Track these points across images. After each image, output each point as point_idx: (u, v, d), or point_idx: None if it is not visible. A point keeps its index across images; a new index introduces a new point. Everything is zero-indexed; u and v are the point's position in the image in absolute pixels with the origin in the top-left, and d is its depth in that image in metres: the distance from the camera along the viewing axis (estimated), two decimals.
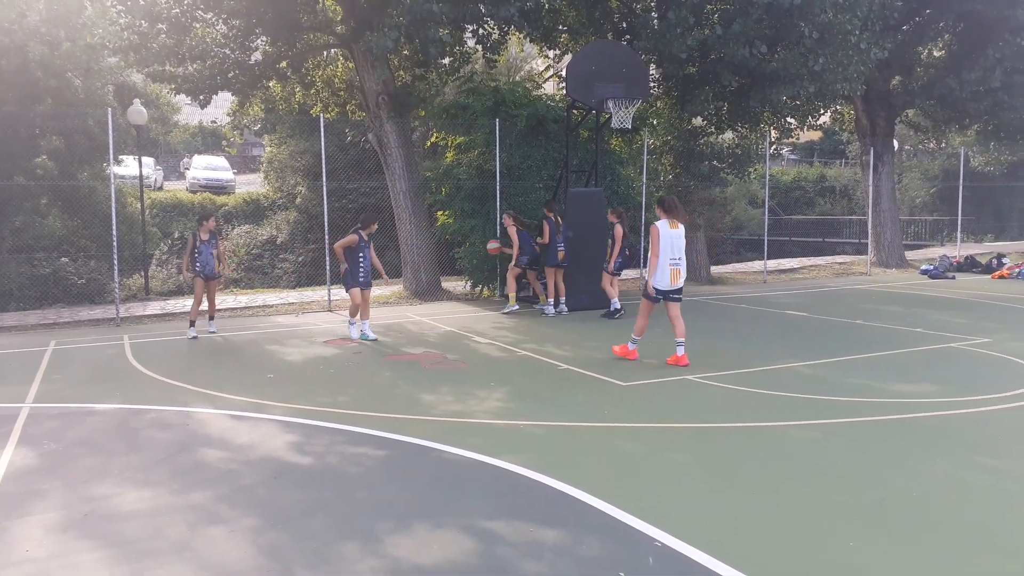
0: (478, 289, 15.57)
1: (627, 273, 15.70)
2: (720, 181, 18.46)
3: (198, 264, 10.74)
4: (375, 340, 10.26)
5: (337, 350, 9.69)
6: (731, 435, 6.13)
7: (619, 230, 11.88)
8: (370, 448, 5.79)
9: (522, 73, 25.43)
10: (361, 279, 10.30)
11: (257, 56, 15.23)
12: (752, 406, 6.90)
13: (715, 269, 19.40)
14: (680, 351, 8.67)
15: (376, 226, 10.83)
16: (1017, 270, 17.77)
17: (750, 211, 29.52)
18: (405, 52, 15.72)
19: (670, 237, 8.42)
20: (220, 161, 32.96)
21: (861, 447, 5.76)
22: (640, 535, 4.25)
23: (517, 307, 12.85)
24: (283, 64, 15.35)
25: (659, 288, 8.55)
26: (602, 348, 9.77)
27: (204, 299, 10.81)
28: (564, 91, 14.87)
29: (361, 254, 10.29)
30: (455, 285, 16.05)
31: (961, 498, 4.77)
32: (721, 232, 25.38)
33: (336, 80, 17.30)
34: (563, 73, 15.58)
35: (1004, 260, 18.99)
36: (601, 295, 12.77)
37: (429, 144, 17.88)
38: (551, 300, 12.74)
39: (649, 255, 8.53)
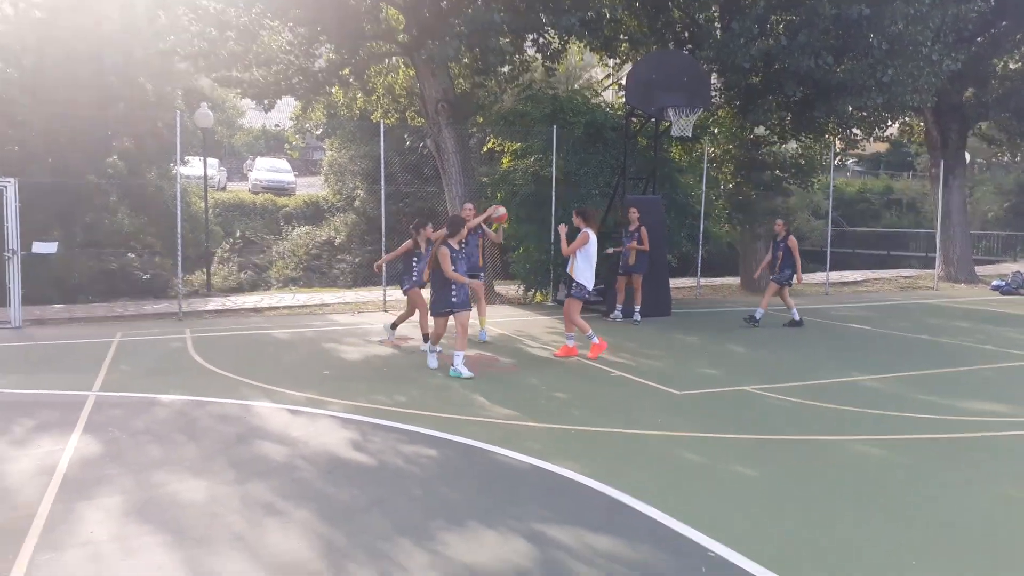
0: (531, 293, 15.55)
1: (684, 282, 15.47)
2: (783, 191, 18.11)
3: (415, 273, 10.36)
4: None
5: (393, 350, 9.77)
6: (790, 448, 5.97)
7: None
8: (425, 447, 5.81)
9: (581, 81, 25.42)
10: (415, 279, 10.37)
11: (320, 63, 15.53)
12: (812, 419, 6.72)
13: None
14: (571, 343, 9.52)
15: (432, 230, 10.75)
16: None
17: (813, 222, 28.87)
18: (465, 60, 15.85)
19: (595, 243, 9.30)
20: (282, 164, 33.72)
21: (927, 466, 5.54)
22: (693, 545, 4.16)
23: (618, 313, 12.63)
24: (346, 71, 15.62)
25: (588, 288, 9.28)
26: (659, 356, 9.65)
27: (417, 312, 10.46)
28: (623, 99, 14.79)
29: (416, 258, 10.33)
30: (508, 289, 16.06)
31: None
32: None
33: (397, 87, 17.54)
34: (623, 82, 15.50)
35: None
36: (662, 302, 12.74)
37: (486, 150, 17.96)
38: (619, 307, 12.70)
39: (579, 259, 9.21)
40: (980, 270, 21.40)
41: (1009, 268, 22.06)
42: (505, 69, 16.42)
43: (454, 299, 8.30)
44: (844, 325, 12.53)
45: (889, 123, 18.55)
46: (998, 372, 8.85)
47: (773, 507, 4.73)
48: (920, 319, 13.25)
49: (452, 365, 8.19)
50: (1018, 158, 24.69)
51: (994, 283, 18.37)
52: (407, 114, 17.82)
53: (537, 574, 3.82)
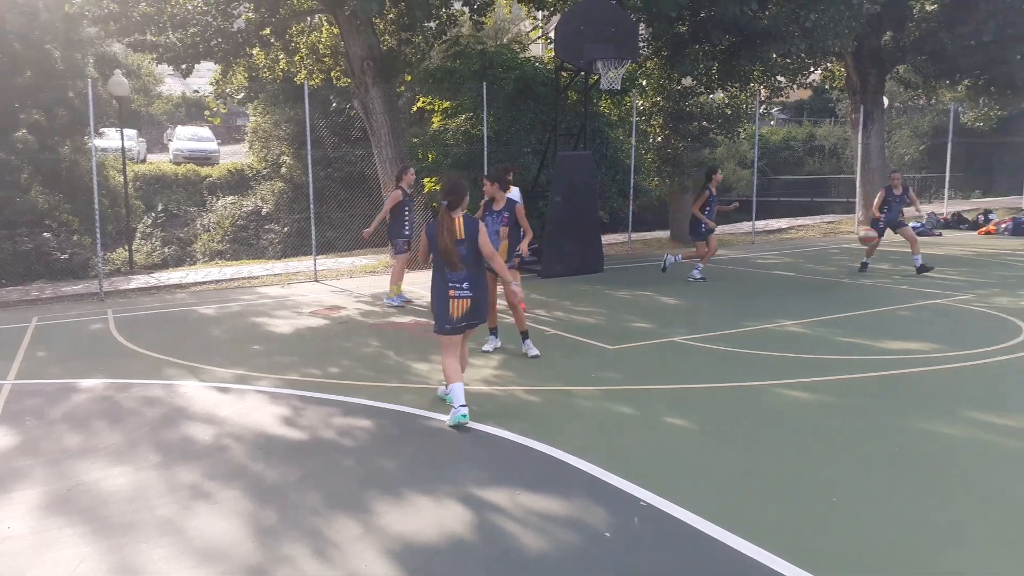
0: None
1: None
2: (710, 142, 18.32)
3: (407, 227, 10.34)
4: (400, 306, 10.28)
5: (324, 320, 9.62)
6: (718, 395, 6.11)
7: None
8: (360, 418, 5.75)
9: (510, 35, 25.08)
10: (407, 234, 10.25)
11: (240, 23, 14.92)
12: (739, 366, 6.89)
13: None
14: None
15: (413, 175, 10.64)
16: (1004, 226, 17.76)
17: (739, 172, 29.36)
18: (391, 16, 15.43)
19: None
20: (204, 132, 32.53)
21: (849, 404, 5.75)
22: (627, 496, 4.24)
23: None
24: (266, 31, 15.05)
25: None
26: (592, 312, 9.73)
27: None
28: (552, 53, 14.64)
29: (407, 208, 10.25)
30: None
31: (944, 451, 4.77)
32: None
33: (320, 46, 16.99)
34: (551, 35, 15.33)
35: (991, 216, 18.97)
36: (593, 259, 12.81)
37: (415, 110, 17.64)
38: None
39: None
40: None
41: (925, 209, 22.89)
42: (432, 24, 16.06)
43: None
44: (770, 272, 12.85)
45: (812, 69, 18.85)
46: (915, 311, 9.21)
47: (704, 455, 4.85)
48: (841, 263, 13.67)
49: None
50: (933, 101, 25.47)
51: (912, 224, 19.02)
52: (332, 75, 17.31)
53: (471, 538, 3.83)
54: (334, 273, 14.00)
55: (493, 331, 7.75)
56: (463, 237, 5.50)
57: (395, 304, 10.33)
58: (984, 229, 18.00)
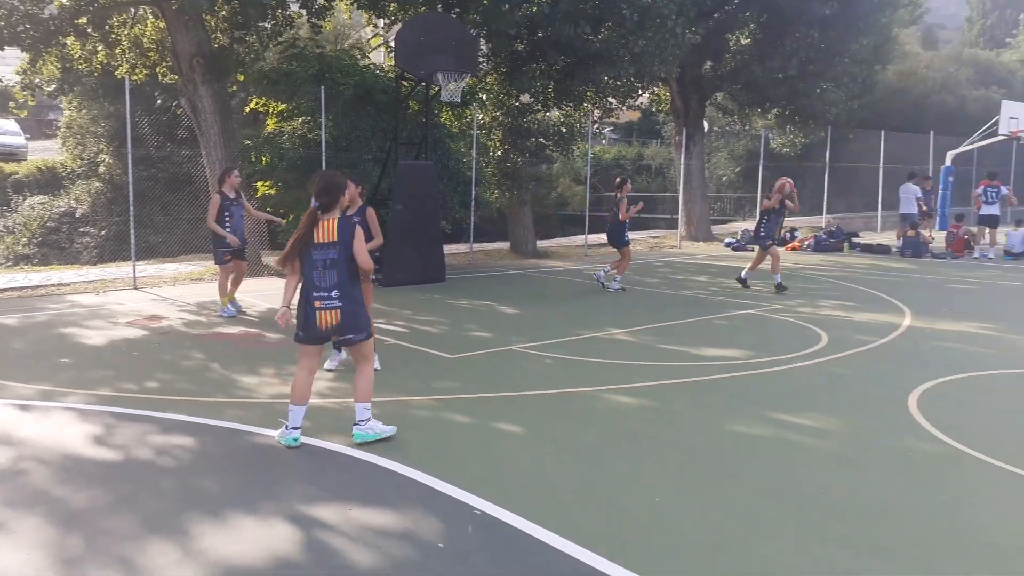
0: None
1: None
2: (546, 158, 18.90)
3: (228, 230, 9.75)
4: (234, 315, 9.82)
5: (143, 331, 9.00)
6: (551, 401, 6.31)
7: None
8: (180, 435, 5.42)
9: (350, 41, 24.67)
10: (228, 241, 9.71)
11: (52, 9, 13.69)
12: (572, 373, 7.14)
13: (541, 243, 19.91)
14: None
15: (238, 178, 10.09)
16: (807, 242, 19.59)
17: (574, 188, 30.50)
18: (223, 13, 14.75)
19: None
20: (10, 125, 29.52)
21: (669, 408, 6.11)
22: (461, 505, 4.27)
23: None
24: (83, 20, 13.91)
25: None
26: (433, 322, 9.74)
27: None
28: (393, 62, 14.57)
29: (228, 213, 9.66)
30: (276, 260, 15.38)
31: (754, 450, 5.18)
32: (547, 208, 26.09)
33: (145, 40, 15.93)
34: (392, 43, 15.25)
35: (796, 233, 20.88)
36: (435, 268, 12.84)
37: (248, 111, 16.94)
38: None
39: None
40: (716, 229, 23.86)
41: (739, 227, 24.79)
42: (267, 24, 15.50)
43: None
44: (601, 283, 13.41)
45: (640, 92, 19.97)
46: (729, 320, 9.95)
47: (537, 461, 4.98)
48: (666, 275, 14.54)
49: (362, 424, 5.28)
50: (747, 127, 27.70)
51: (727, 240, 20.59)
52: (158, 70, 16.27)
53: (299, 557, 3.72)
54: (156, 280, 13.14)
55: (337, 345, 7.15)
56: (336, 240, 5.02)
57: (224, 315, 9.85)
58: (791, 245, 19.75)
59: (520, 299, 11.61)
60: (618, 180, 12.65)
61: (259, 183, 14.71)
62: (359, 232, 5.10)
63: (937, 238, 19.55)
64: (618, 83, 17.12)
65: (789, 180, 12.58)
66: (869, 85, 22.55)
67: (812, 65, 19.82)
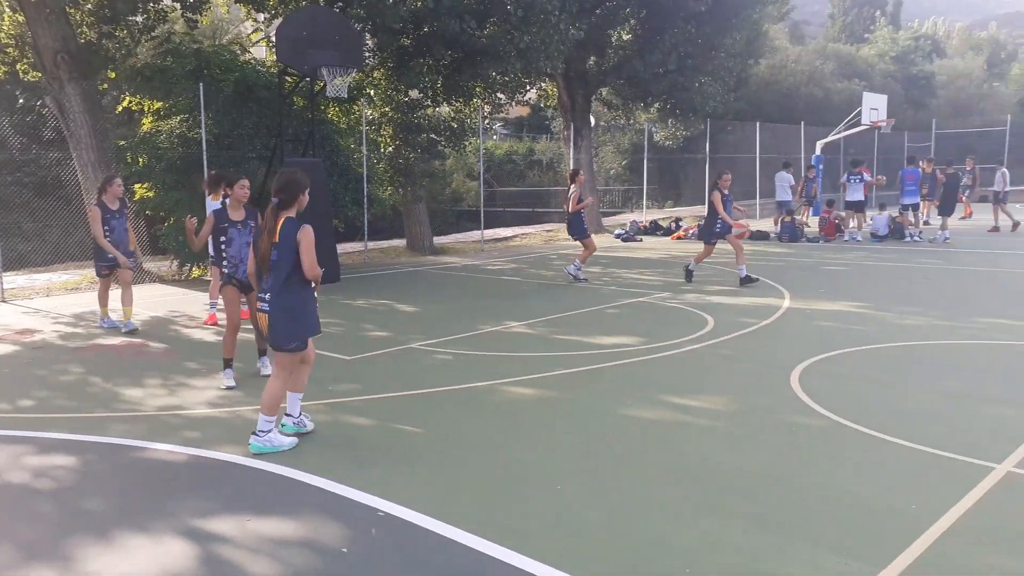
0: (187, 269, 14.43)
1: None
2: (439, 154, 18.86)
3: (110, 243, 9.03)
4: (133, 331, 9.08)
5: (14, 346, 8.42)
6: (451, 397, 6.32)
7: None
8: (59, 455, 5.11)
9: (229, 36, 23.79)
10: (109, 256, 9.04)
11: None
12: (472, 368, 7.18)
13: (437, 239, 19.86)
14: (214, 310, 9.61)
15: (120, 187, 9.22)
16: (691, 231, 20.36)
17: (468, 183, 30.58)
18: (88, 6, 13.93)
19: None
20: None
21: (567, 397, 6.24)
22: (363, 507, 4.23)
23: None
24: None
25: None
26: (329, 323, 9.54)
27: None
28: (275, 57, 14.17)
29: (107, 227, 9.00)
30: (160, 266, 14.71)
31: (648, 432, 5.36)
32: (441, 204, 26.05)
33: (3, 35, 14.85)
34: (273, 38, 14.82)
35: (681, 223, 21.68)
36: (329, 269, 12.54)
37: (121, 109, 16.07)
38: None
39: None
40: (606, 221, 24.47)
41: (627, 218, 25.54)
42: (139, 19, 14.75)
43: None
44: (498, 278, 13.54)
45: (528, 88, 20.19)
46: (620, 308, 10.23)
47: (439, 458, 4.98)
48: (560, 267, 14.77)
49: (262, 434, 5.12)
50: (632, 121, 28.50)
51: (616, 232, 21.15)
52: (19, 67, 15.20)
53: (195, 573, 3.58)
54: (27, 292, 12.32)
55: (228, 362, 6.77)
56: (277, 240, 4.87)
57: (106, 326, 9.32)
58: (676, 235, 20.48)
59: (418, 296, 11.55)
60: (571, 171, 12.77)
61: (136, 185, 14.00)
62: (307, 236, 4.86)
63: (811, 223, 20.73)
64: (506, 78, 17.27)
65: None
66: (744, 79, 23.70)
67: (690, 60, 20.59)
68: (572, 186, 12.47)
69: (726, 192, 11.94)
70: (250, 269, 5.45)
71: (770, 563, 3.55)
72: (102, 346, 8.43)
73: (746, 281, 11.77)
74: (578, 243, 12.93)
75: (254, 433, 5.09)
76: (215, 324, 9.43)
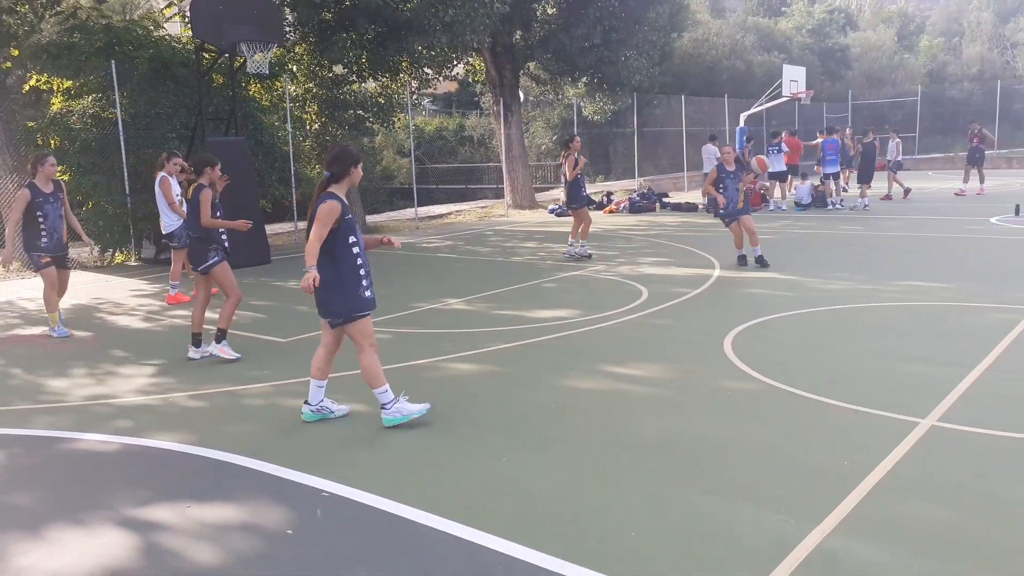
0: (109, 254, 13.87)
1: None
2: (367, 130, 18.54)
3: (44, 236, 7.87)
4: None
5: None
6: (392, 376, 6.23)
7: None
8: None
9: (141, 11, 22.77)
10: (44, 244, 7.90)
11: None
12: (412, 346, 7.13)
13: (370, 218, 19.59)
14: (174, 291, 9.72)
15: (53, 166, 8.04)
16: (622, 205, 20.61)
17: (399, 160, 30.18)
18: None
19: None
20: None
21: (507, 371, 6.27)
22: (307, 489, 4.17)
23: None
24: None
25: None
26: (262, 306, 9.34)
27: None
28: (192, 32, 13.63)
29: (40, 212, 7.86)
30: (80, 252, 14.09)
31: (587, 403, 5.44)
32: (373, 182, 25.66)
33: None
34: (188, 13, 14.25)
35: (612, 197, 21.90)
36: (258, 251, 12.28)
37: (28, 89, 15.24)
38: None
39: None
40: (539, 196, 24.52)
41: (560, 193, 25.66)
42: None
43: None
44: (434, 256, 13.45)
45: (455, 63, 19.97)
46: (557, 283, 10.31)
47: (381, 436, 4.94)
48: (496, 243, 14.79)
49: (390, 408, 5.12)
50: (560, 96, 28.54)
51: (551, 207, 21.23)
52: None
53: (135, 564, 3.47)
54: None
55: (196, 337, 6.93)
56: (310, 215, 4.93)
57: (57, 335, 8.00)
58: (608, 208, 20.68)
59: None
60: (568, 138, 12.15)
61: None
62: (321, 208, 4.85)
63: None
64: (432, 53, 17.05)
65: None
66: (668, 52, 23.98)
67: (615, 33, 20.70)
68: (567, 153, 11.90)
69: (731, 168, 10.53)
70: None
71: (713, 523, 3.66)
72: (22, 337, 8.05)
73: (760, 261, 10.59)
74: (570, 217, 12.37)
75: (382, 407, 5.07)
76: (179, 302, 9.47)
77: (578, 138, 11.98)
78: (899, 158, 20.69)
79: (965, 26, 45.52)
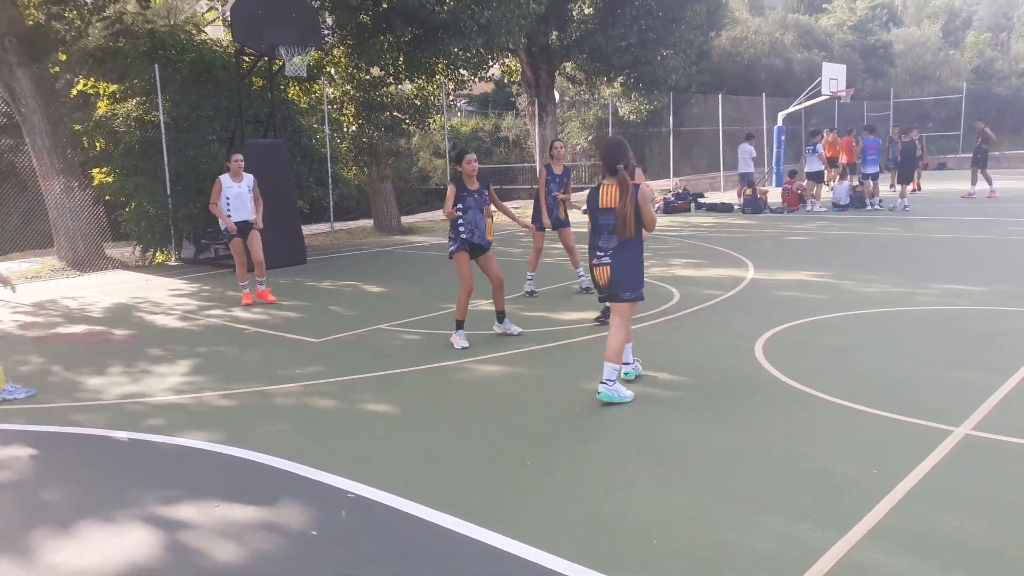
0: (150, 254, 14.18)
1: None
2: (403, 132, 18.67)
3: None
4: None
5: None
6: (420, 378, 6.31)
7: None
8: (17, 447, 5.01)
9: (184, 16, 23.23)
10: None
11: None
12: (440, 348, 7.16)
13: (406, 219, 19.72)
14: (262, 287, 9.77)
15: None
16: (657, 204, 20.45)
17: (435, 161, 30.33)
18: None
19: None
20: None
21: (534, 374, 6.25)
22: (332, 490, 4.21)
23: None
24: None
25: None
26: (296, 306, 9.47)
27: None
28: (232, 36, 13.88)
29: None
30: (123, 252, 14.44)
31: (613, 406, 5.39)
32: (409, 183, 25.84)
33: None
34: (229, 17, 14.51)
35: None
36: (295, 251, 12.49)
37: (76, 93, 15.66)
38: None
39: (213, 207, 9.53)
40: (574, 197, 24.35)
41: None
42: None
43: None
44: None
45: (491, 64, 20.02)
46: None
47: (409, 437, 4.97)
48: (528, 244, 14.66)
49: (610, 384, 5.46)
50: (596, 96, 28.44)
51: (583, 208, 21.14)
52: None
53: (161, 562, 3.54)
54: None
55: None
56: (613, 206, 5.37)
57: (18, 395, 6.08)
58: None
59: (385, 277, 11.47)
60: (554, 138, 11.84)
61: (94, 170, 13.70)
62: (641, 196, 5.33)
63: (774, 194, 20.93)
64: (468, 54, 17.10)
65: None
66: (705, 51, 23.73)
67: (652, 33, 20.56)
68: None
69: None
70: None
71: (737, 533, 3.61)
72: (63, 335, 8.27)
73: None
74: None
75: (602, 382, 5.39)
76: (250, 303, 9.57)
77: (559, 143, 10.01)
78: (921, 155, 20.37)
79: (1014, 20, 44.27)
